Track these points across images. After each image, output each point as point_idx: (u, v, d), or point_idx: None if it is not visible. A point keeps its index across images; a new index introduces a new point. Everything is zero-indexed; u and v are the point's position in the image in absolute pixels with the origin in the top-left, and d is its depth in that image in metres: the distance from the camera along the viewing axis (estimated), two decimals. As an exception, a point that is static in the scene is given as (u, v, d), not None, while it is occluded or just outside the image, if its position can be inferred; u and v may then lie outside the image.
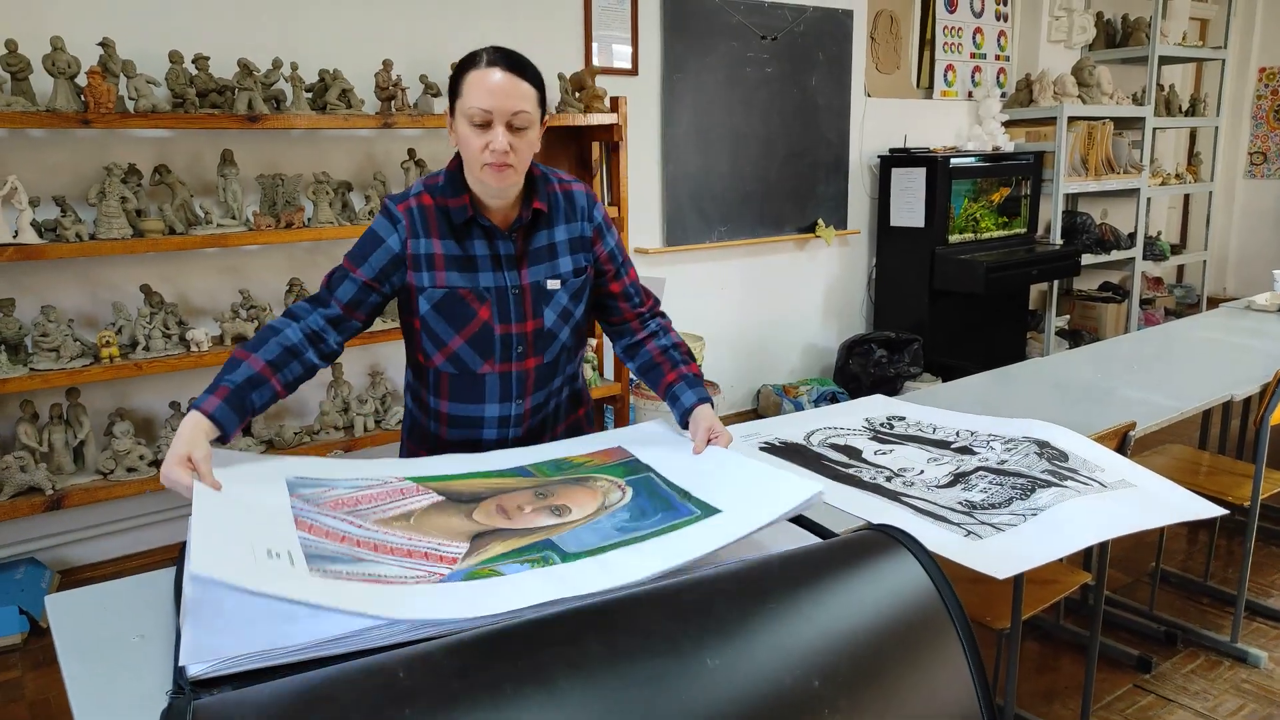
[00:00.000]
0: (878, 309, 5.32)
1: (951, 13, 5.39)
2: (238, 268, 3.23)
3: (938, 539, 1.46)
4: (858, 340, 4.90)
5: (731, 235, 4.56)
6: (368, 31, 3.35)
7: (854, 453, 1.84)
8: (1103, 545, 2.12)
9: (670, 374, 1.71)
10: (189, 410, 1.39)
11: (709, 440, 1.59)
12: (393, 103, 3.20)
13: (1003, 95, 5.66)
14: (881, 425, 2.02)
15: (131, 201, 2.81)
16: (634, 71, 4.11)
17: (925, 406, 2.14)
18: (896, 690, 1.10)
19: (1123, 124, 5.85)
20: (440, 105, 3.31)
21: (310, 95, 3.09)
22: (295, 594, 1.01)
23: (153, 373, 2.87)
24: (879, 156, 5.11)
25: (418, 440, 1.76)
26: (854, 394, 4.76)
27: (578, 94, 3.66)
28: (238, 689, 0.94)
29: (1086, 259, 5.53)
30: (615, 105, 3.68)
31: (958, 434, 1.94)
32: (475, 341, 1.61)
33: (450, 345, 1.62)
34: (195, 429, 1.35)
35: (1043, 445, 1.84)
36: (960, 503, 1.59)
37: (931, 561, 1.24)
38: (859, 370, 4.80)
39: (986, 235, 5.23)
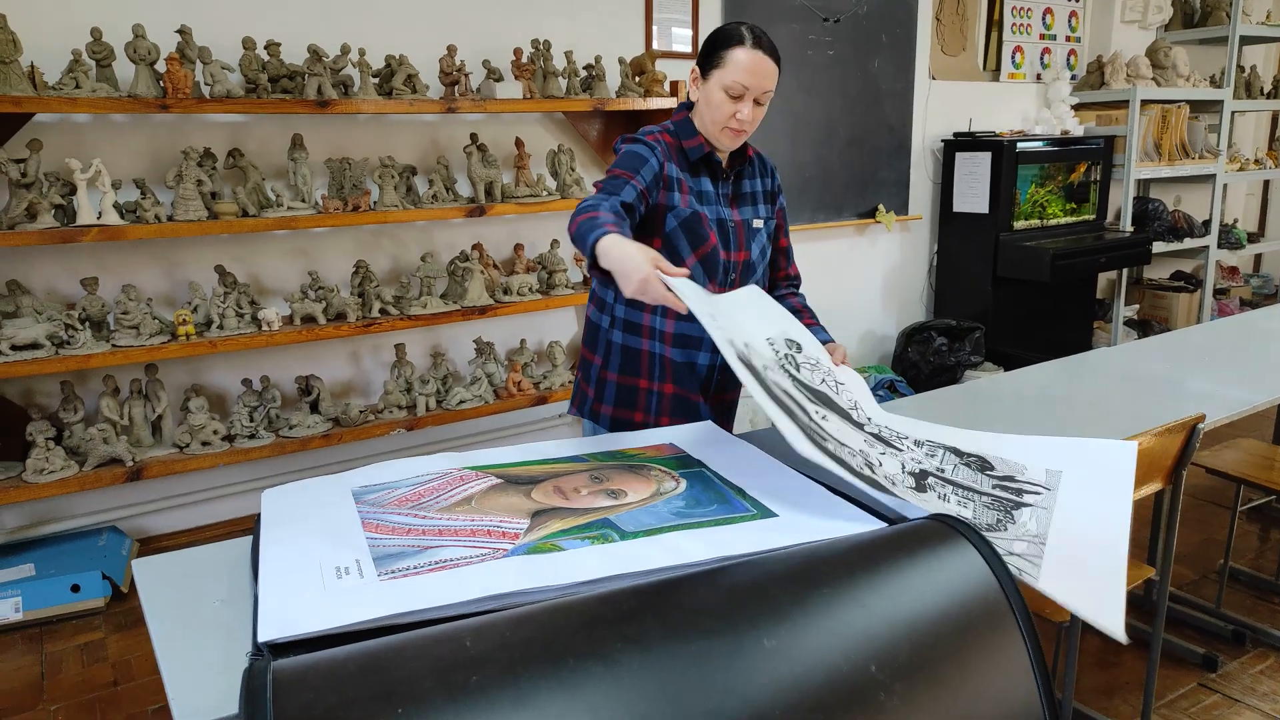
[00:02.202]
0: (939, 296, 5.24)
1: (1021, -7, 5.25)
2: (306, 249, 3.32)
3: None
4: (918, 328, 4.84)
5: (791, 220, 4.50)
6: (433, 17, 3.40)
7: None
8: (1167, 539, 2.08)
9: (808, 320, 1.94)
10: (594, 245, 1.46)
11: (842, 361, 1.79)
12: (456, 88, 3.25)
13: (1073, 77, 5.51)
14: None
15: (207, 184, 2.90)
16: (694, 55, 4.10)
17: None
18: (955, 679, 1.10)
19: (1199, 107, 5.64)
20: (502, 90, 3.34)
21: (377, 81, 3.15)
22: (366, 614, 1.06)
23: (226, 350, 2.97)
24: (943, 140, 5.02)
25: (615, 369, 1.90)
26: (912, 382, 4.71)
27: (638, 78, 3.67)
28: (312, 652, 0.99)
29: (1158, 247, 5.36)
30: (675, 89, 3.67)
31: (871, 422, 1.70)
32: (705, 261, 1.81)
33: (687, 262, 1.80)
34: (628, 242, 1.44)
35: (960, 453, 1.64)
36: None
37: (993, 553, 1.23)
38: (918, 358, 4.74)
39: (1053, 221, 5.11)
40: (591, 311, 1.95)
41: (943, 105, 5.03)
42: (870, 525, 1.35)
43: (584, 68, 3.60)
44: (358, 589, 1.13)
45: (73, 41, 2.72)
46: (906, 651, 1.08)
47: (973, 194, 4.91)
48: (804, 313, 1.98)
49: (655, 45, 3.98)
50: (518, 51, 3.39)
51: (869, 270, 5.02)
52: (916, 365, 4.74)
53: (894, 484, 1.42)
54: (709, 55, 1.75)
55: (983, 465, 1.60)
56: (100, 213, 2.73)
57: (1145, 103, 5.20)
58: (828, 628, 1.07)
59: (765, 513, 1.37)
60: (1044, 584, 1.28)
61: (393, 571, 1.17)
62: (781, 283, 2.05)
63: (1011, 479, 1.57)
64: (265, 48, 2.95)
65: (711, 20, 4.11)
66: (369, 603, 1.09)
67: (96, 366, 2.83)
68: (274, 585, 1.14)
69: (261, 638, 1.04)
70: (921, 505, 1.34)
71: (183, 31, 2.82)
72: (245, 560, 1.34)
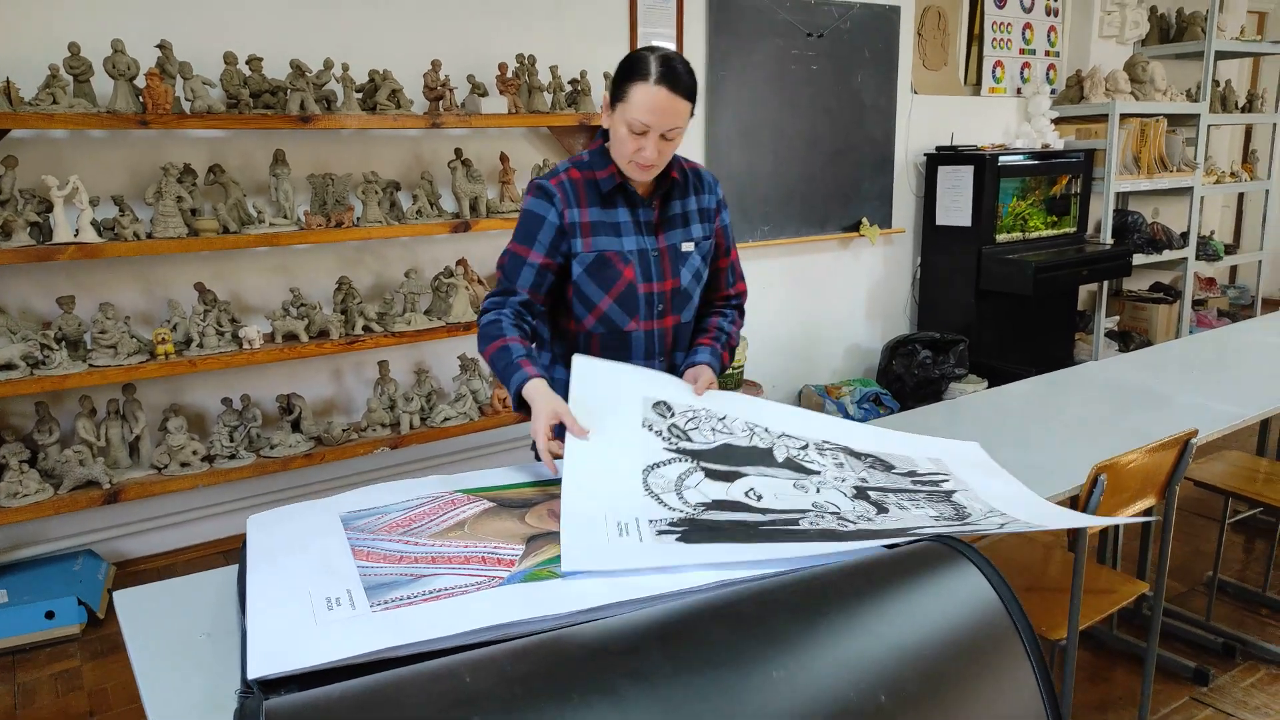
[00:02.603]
0: (922, 309, 5.25)
1: (1000, 8, 5.30)
2: (288, 266, 3.28)
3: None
4: (902, 341, 4.85)
5: (774, 234, 4.53)
6: (417, 32, 3.37)
7: (734, 505, 1.41)
8: (1160, 554, 2.08)
9: (704, 339, 1.89)
10: (515, 392, 1.59)
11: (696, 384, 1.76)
12: (441, 103, 3.22)
13: (1052, 92, 5.56)
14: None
15: (187, 201, 2.86)
16: (679, 70, 4.10)
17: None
18: (964, 706, 1.08)
19: (1176, 121, 5.71)
20: (487, 105, 3.32)
21: (360, 96, 3.12)
22: (359, 648, 1.03)
23: (206, 369, 2.92)
24: (925, 154, 5.05)
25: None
26: (897, 395, 4.71)
27: (623, 93, 3.66)
28: (304, 689, 0.95)
29: (1137, 259, 5.41)
30: (660, 104, 3.66)
31: (762, 434, 1.64)
32: (622, 300, 1.76)
33: (600, 306, 1.76)
34: (543, 389, 1.56)
35: (856, 453, 1.64)
36: (936, 519, 1.41)
37: (996, 574, 1.22)
38: (903, 371, 4.75)
39: (1035, 234, 5.14)
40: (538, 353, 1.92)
41: (925, 119, 5.06)
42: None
43: (569, 82, 3.58)
44: (349, 621, 1.09)
45: (50, 56, 2.67)
46: (914, 679, 1.06)
47: (955, 207, 4.93)
48: (710, 331, 1.88)
49: (639, 60, 3.98)
50: (502, 66, 3.37)
51: (853, 283, 5.02)
52: (901, 378, 4.74)
53: (858, 514, 1.41)
54: (616, 86, 1.66)
55: (886, 466, 1.65)
56: (77, 230, 2.68)
57: (1124, 116, 5.26)
58: (836, 657, 1.05)
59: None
60: (1024, 520, 1.39)
61: (385, 602, 1.13)
62: (718, 303, 1.95)
63: (914, 473, 1.63)
64: (247, 62, 2.91)
65: (696, 36, 4.12)
66: (362, 636, 1.06)
67: (73, 387, 2.77)
68: (262, 618, 1.11)
69: (251, 674, 1.00)
70: (884, 521, 1.38)
71: (163, 46, 2.78)
72: (230, 590, 1.30)
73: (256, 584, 1.20)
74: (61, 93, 2.62)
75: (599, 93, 3.71)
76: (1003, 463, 1.87)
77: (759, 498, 1.44)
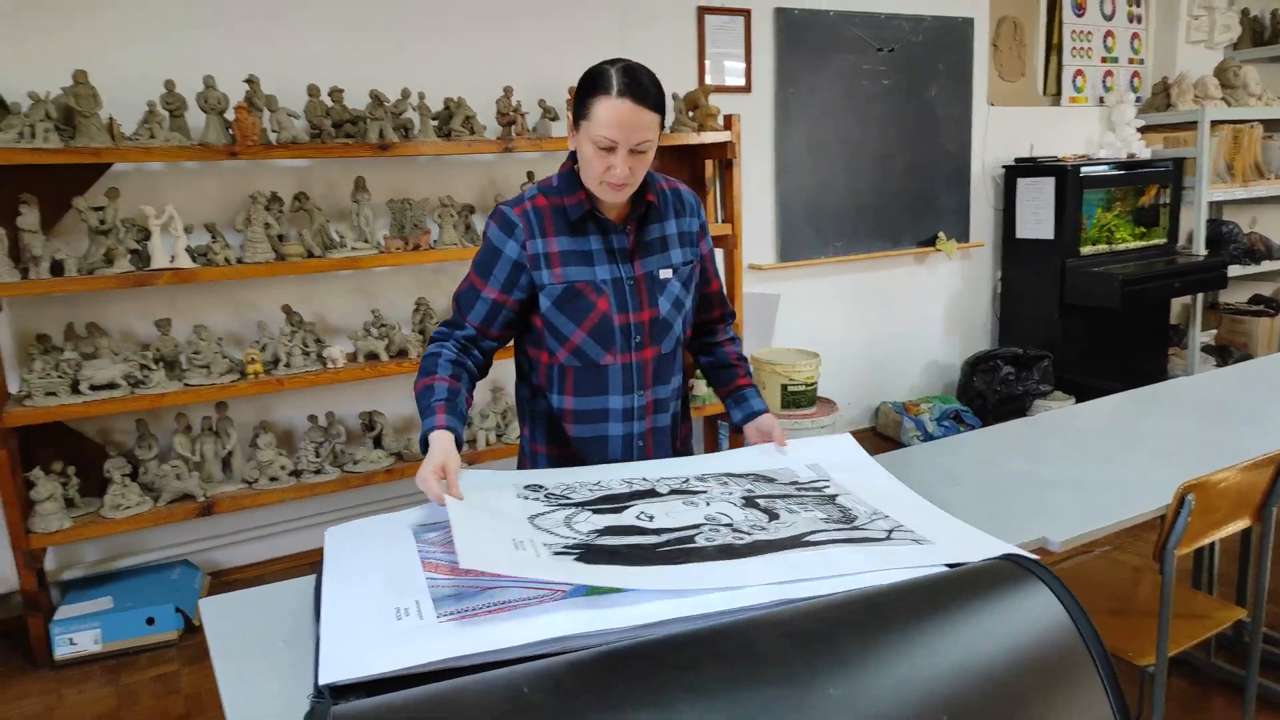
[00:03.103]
0: (1004, 324, 5.12)
1: (1080, 16, 5.17)
2: (369, 288, 3.39)
3: (901, 555, 1.30)
4: (982, 357, 4.73)
5: (847, 250, 4.49)
6: (490, 60, 3.47)
7: (627, 530, 1.39)
8: (1258, 579, 1.98)
9: (743, 379, 1.85)
10: (423, 436, 1.54)
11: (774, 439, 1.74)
12: (513, 128, 3.30)
13: (1137, 100, 5.38)
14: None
15: (274, 227, 2.99)
16: (747, 88, 4.11)
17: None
18: (1029, 726, 1.06)
19: (1273, 126, 5.45)
20: (557, 129, 3.39)
21: (436, 123, 3.22)
22: (425, 657, 1.06)
23: (293, 388, 3.04)
24: (1003, 166, 4.94)
25: (543, 440, 1.77)
26: (979, 412, 4.60)
27: (691, 113, 3.69)
28: (371, 695, 0.99)
29: (1234, 270, 5.17)
30: (729, 123, 3.68)
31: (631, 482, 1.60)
32: (596, 333, 1.65)
33: (572, 339, 1.66)
34: (444, 442, 1.50)
35: (734, 475, 1.62)
36: (825, 520, 1.41)
37: (1068, 594, 1.18)
38: (984, 388, 4.63)
39: (1122, 246, 4.97)
40: (517, 384, 1.83)
41: (1002, 131, 4.95)
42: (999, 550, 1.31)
43: (639, 104, 3.63)
44: (417, 631, 1.13)
45: (148, 93, 2.83)
46: (979, 700, 1.04)
47: (1036, 220, 4.81)
48: (739, 368, 1.85)
49: (709, 79, 4.01)
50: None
51: (930, 299, 4.93)
52: (983, 395, 4.63)
53: (750, 524, 1.38)
54: (578, 103, 1.56)
55: (768, 479, 1.61)
56: (173, 256, 2.83)
57: (1215, 123, 5.05)
58: (896, 676, 1.03)
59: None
60: (943, 550, 1.32)
61: (452, 613, 1.17)
62: (717, 325, 1.88)
63: (796, 482, 1.60)
64: (329, 94, 3.04)
65: (764, 54, 4.13)
66: (427, 646, 1.09)
67: (170, 405, 2.91)
68: (335, 627, 1.15)
69: (322, 680, 1.04)
70: (777, 529, 1.36)
71: (250, 81, 2.92)
72: (309, 599, 1.36)
73: (330, 594, 1.24)
74: (158, 127, 2.78)
75: (668, 114, 3.74)
76: (1084, 481, 1.83)
77: (650, 519, 1.40)
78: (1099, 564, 2.21)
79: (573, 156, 1.64)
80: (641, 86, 1.53)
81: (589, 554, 1.25)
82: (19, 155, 2.57)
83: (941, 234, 4.77)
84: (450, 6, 3.42)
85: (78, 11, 2.85)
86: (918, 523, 1.41)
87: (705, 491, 1.51)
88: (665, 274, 1.69)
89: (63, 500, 2.84)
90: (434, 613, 1.17)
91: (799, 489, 1.55)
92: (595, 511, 1.42)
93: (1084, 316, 4.79)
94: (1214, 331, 5.68)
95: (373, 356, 3.17)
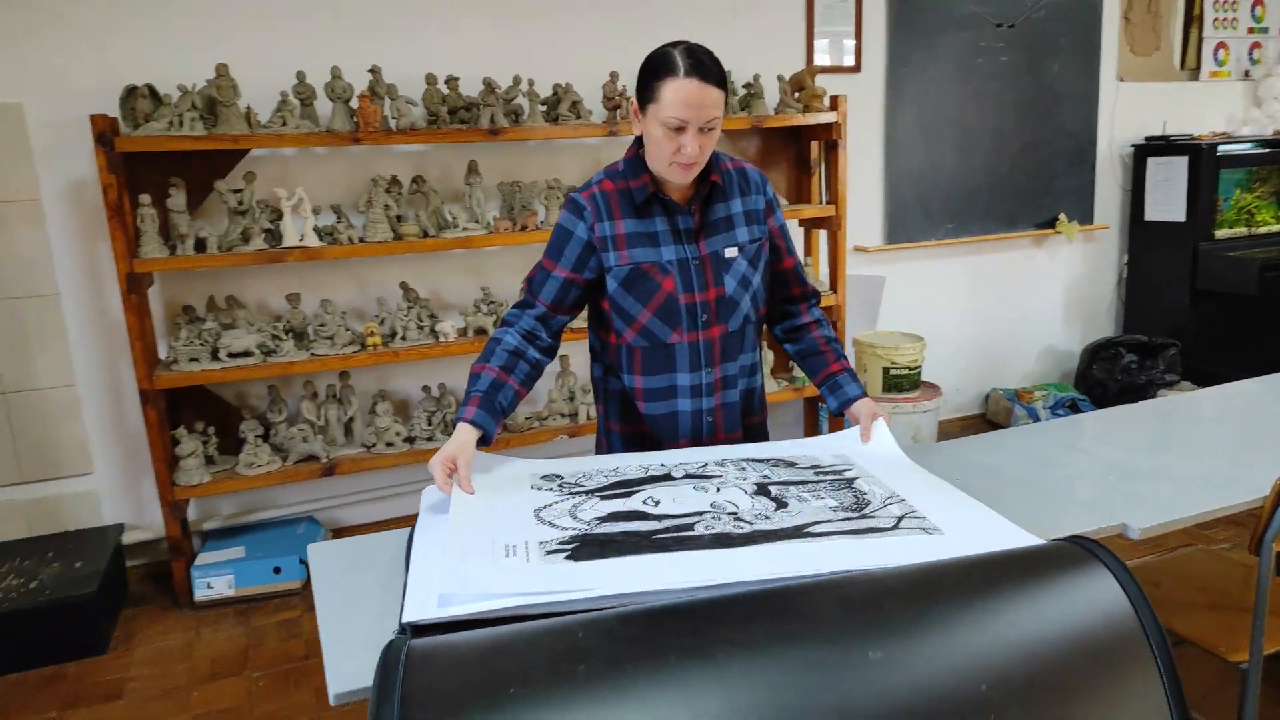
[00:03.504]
0: (1129, 310, 4.89)
1: (1226, -17, 4.84)
2: (479, 267, 3.56)
3: (909, 546, 1.31)
4: (1104, 344, 4.54)
5: (959, 232, 4.38)
6: (596, 46, 3.56)
7: (629, 515, 1.42)
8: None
9: (835, 364, 1.83)
10: (456, 419, 1.63)
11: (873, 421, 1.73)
12: (618, 112, 3.39)
13: (1289, 71, 5.01)
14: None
15: (393, 209, 3.18)
16: (857, 68, 4.06)
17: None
18: (1074, 708, 1.07)
19: None
20: (663, 111, 3.45)
21: (545, 108, 3.34)
22: (525, 588, 1.16)
23: (408, 359, 3.23)
24: (1133, 145, 4.70)
25: (617, 419, 1.85)
26: (1097, 401, 4.42)
27: (797, 94, 3.68)
28: (446, 634, 1.09)
29: (1394, 256, 4.77)
30: (835, 104, 3.66)
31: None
32: (662, 312, 1.69)
33: (639, 319, 1.70)
34: (462, 434, 1.57)
35: (757, 460, 1.63)
36: (835, 509, 1.42)
37: (1131, 579, 1.18)
38: (1104, 376, 4.45)
39: (1263, 229, 4.66)
40: (591, 364, 1.90)
41: (1133, 108, 4.71)
42: (1030, 542, 1.32)
43: (743, 86, 3.65)
44: (520, 568, 1.22)
45: (280, 83, 3.05)
46: (1022, 674, 1.06)
47: (1167, 201, 4.56)
48: (829, 354, 1.84)
49: (818, 59, 3.98)
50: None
51: (1048, 284, 4.76)
52: (1103, 383, 4.44)
53: (755, 513, 1.39)
54: (643, 88, 1.60)
55: (788, 464, 1.61)
56: (302, 235, 3.05)
57: (1379, 95, 4.66)
58: (939, 644, 1.06)
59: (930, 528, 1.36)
60: (950, 542, 1.33)
61: (550, 557, 1.26)
62: (799, 305, 1.88)
63: (817, 466, 1.59)
64: (445, 82, 3.20)
65: (876, 33, 4.06)
66: (527, 581, 1.18)
67: (298, 372, 3.15)
68: (420, 573, 1.27)
69: (405, 619, 1.16)
70: (781, 518, 1.36)
71: (373, 71, 3.10)
72: (403, 551, 1.49)
73: (420, 545, 1.37)
74: (290, 115, 2.99)
75: (772, 95, 3.75)
76: (1173, 469, 1.78)
77: (656, 504, 1.42)
78: (1199, 557, 2.13)
79: (638, 141, 1.68)
80: (705, 66, 1.57)
81: (581, 549, 1.28)
82: (169, 142, 2.82)
83: (1063, 216, 4.59)
84: (561, -7, 3.52)
85: (218, 10, 3.09)
86: (934, 509, 1.40)
87: (719, 477, 1.53)
88: (730, 252, 1.72)
89: (203, 457, 3.12)
90: (539, 553, 1.26)
91: (818, 474, 1.56)
92: (604, 498, 1.46)
93: (1217, 303, 4.53)
94: (1370, 322, 5.25)
95: (482, 331, 3.33)
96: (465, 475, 1.51)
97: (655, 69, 1.58)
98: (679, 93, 1.54)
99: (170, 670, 2.74)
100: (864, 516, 1.38)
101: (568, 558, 1.26)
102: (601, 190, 1.70)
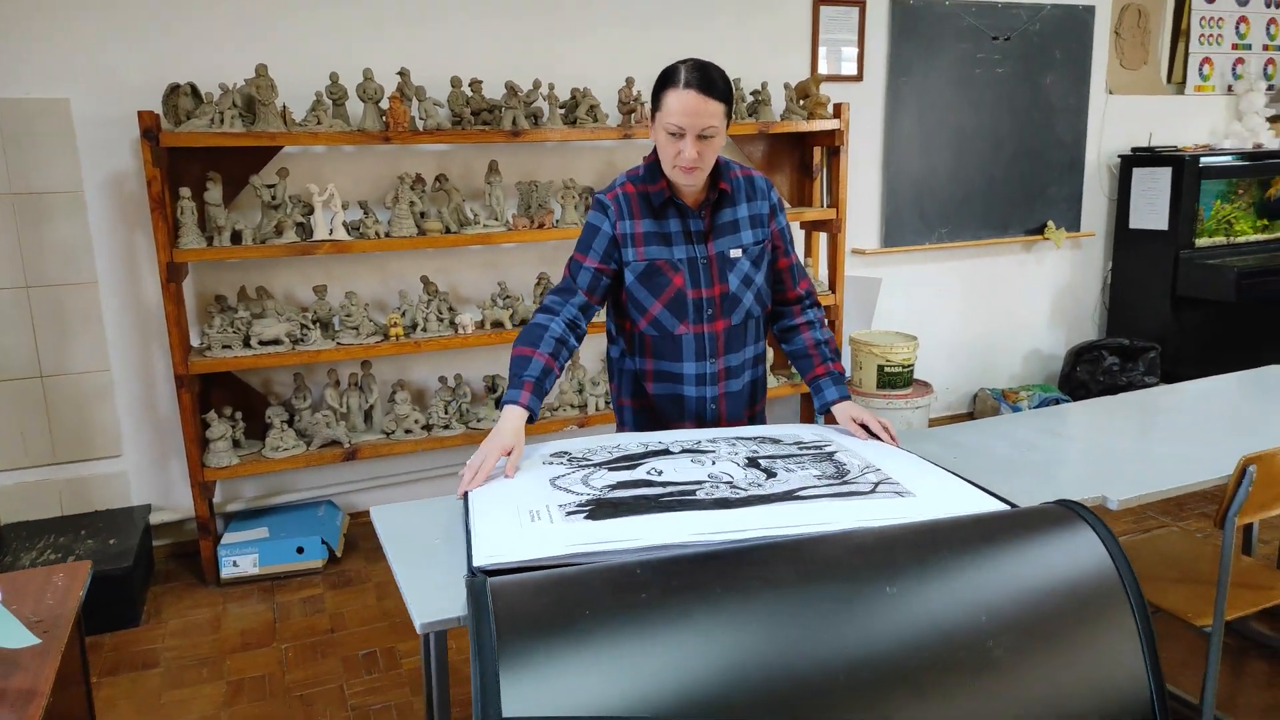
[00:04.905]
0: (1113, 315, 5.09)
1: (1210, 3, 5.05)
2: (497, 262, 3.71)
3: (886, 508, 1.48)
4: (1087, 347, 4.74)
5: (952, 237, 4.57)
6: (613, 52, 3.72)
7: (637, 484, 1.60)
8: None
9: (819, 368, 1.98)
10: (504, 404, 1.76)
11: (860, 425, 1.89)
12: (632, 116, 3.55)
13: (1270, 88, 5.22)
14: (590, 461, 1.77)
15: (418, 205, 3.33)
16: (859, 77, 4.24)
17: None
18: (1060, 640, 1.24)
19: None
20: (674, 116, 3.61)
21: (563, 111, 3.50)
22: (553, 551, 1.32)
23: (428, 350, 3.38)
24: (1119, 156, 4.90)
25: (629, 395, 2.04)
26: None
27: (802, 101, 3.85)
28: (515, 574, 1.25)
29: (1367, 266, 4.98)
30: (838, 111, 3.83)
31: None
32: (672, 305, 1.88)
33: (651, 310, 1.89)
34: (517, 421, 1.72)
35: (743, 438, 1.82)
36: (819, 478, 1.60)
37: (1111, 536, 1.35)
38: (1087, 378, 4.64)
39: (1242, 239, 4.87)
40: (608, 346, 2.07)
41: (1121, 120, 4.91)
42: (996, 507, 1.49)
43: (750, 93, 3.82)
44: (548, 530, 1.40)
45: (315, 83, 3.20)
46: (1013, 609, 1.23)
47: (1151, 210, 4.76)
48: (815, 357, 1.98)
49: (822, 67, 4.15)
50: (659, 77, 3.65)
51: (1036, 288, 4.95)
52: (1085, 385, 4.64)
53: (749, 481, 1.58)
54: (654, 98, 1.79)
55: (774, 441, 1.80)
56: (331, 229, 3.20)
57: (1353, 112, 4.87)
58: (946, 583, 1.24)
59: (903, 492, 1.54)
60: (923, 503, 1.50)
61: (575, 517, 1.43)
62: (793, 306, 2.02)
63: (800, 442, 1.78)
64: (469, 85, 3.35)
65: (877, 43, 4.24)
66: (559, 539, 1.35)
67: (324, 361, 3.30)
68: (483, 525, 1.43)
69: (476, 563, 1.32)
70: (773, 485, 1.55)
71: (402, 73, 3.25)
72: (450, 514, 1.64)
73: (478, 502, 1.53)
74: (324, 114, 3.14)
75: (779, 102, 3.92)
76: (1149, 451, 1.95)
77: (660, 473, 1.62)
78: (1172, 537, 2.31)
79: (656, 149, 1.85)
80: (708, 78, 1.74)
81: (598, 509, 1.47)
82: (211, 138, 2.97)
83: (1051, 223, 4.79)
84: (580, 3, 3.68)
85: (254, 11, 3.24)
86: (906, 477, 1.60)
87: (713, 452, 1.73)
88: (735, 253, 1.90)
89: (230, 441, 3.26)
90: (562, 516, 1.44)
91: (801, 448, 1.76)
92: (611, 469, 1.66)
93: (1197, 310, 4.73)
94: (1344, 330, 5.46)
95: (498, 325, 3.48)
96: (514, 462, 1.67)
97: (663, 81, 1.77)
98: (678, 101, 1.72)
99: (201, 641, 2.88)
100: (845, 483, 1.58)
101: (586, 518, 1.44)
102: (624, 192, 1.88)
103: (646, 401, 2.01)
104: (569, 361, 1.92)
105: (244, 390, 3.44)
